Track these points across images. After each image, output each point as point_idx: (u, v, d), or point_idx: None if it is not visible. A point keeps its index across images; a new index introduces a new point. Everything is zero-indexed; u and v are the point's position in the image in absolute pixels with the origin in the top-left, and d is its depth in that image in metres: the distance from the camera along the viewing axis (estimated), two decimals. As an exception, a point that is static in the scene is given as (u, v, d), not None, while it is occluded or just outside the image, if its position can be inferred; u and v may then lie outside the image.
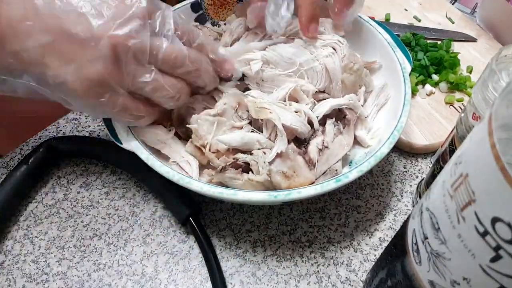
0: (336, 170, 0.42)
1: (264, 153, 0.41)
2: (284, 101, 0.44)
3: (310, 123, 0.44)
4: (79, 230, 0.46)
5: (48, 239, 0.45)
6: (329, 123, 0.45)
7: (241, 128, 0.43)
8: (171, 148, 0.44)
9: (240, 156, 0.41)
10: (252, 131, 0.43)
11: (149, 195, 0.48)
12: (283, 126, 0.41)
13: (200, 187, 0.38)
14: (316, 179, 0.42)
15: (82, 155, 0.51)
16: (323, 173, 0.42)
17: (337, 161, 0.43)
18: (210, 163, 0.42)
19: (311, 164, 0.41)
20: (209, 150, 0.42)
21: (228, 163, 0.41)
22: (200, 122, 0.42)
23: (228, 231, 0.45)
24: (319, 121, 0.44)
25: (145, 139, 0.43)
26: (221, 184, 0.41)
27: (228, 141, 0.41)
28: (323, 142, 0.43)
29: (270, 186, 0.40)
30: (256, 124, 0.44)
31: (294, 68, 0.46)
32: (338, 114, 0.46)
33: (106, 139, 0.50)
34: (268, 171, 0.39)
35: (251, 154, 0.41)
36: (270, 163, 0.40)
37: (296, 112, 0.43)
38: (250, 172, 0.41)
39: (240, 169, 0.41)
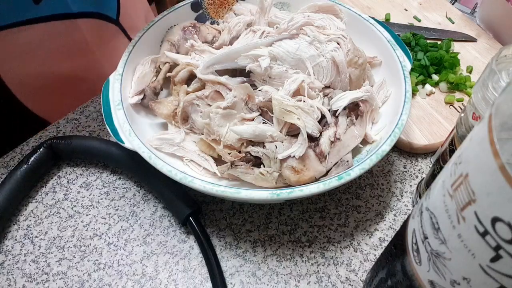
0: (348, 161, 0.43)
1: (276, 146, 0.41)
2: (295, 96, 0.44)
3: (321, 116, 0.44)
4: (79, 230, 0.46)
5: (48, 239, 0.45)
6: (342, 114, 0.45)
7: (252, 120, 0.44)
8: (185, 149, 0.45)
9: (252, 149, 0.42)
10: (263, 122, 0.44)
11: (149, 195, 0.48)
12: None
13: (203, 186, 0.38)
14: (328, 171, 0.42)
15: (82, 155, 0.51)
16: (335, 165, 0.43)
17: (348, 153, 0.43)
18: (222, 159, 0.43)
19: (322, 156, 0.42)
20: (221, 145, 0.42)
21: (237, 158, 0.42)
22: (212, 116, 0.42)
23: (228, 231, 0.45)
24: (334, 113, 0.45)
25: (160, 147, 0.44)
26: (235, 179, 0.42)
27: (240, 132, 0.42)
28: (336, 134, 0.43)
29: (280, 179, 0.41)
30: (265, 115, 0.44)
31: (301, 64, 0.46)
32: (351, 106, 0.46)
33: (106, 139, 0.50)
34: (278, 167, 0.40)
35: (263, 145, 0.42)
36: (282, 160, 0.41)
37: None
38: (262, 166, 0.42)
39: (251, 162, 0.42)
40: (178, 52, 0.52)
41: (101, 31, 0.62)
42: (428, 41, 0.62)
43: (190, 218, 0.44)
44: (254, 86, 0.47)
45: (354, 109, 0.46)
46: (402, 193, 0.49)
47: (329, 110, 0.45)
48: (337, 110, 0.44)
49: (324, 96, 0.46)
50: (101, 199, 0.48)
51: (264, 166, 0.42)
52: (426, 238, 0.25)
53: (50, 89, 0.60)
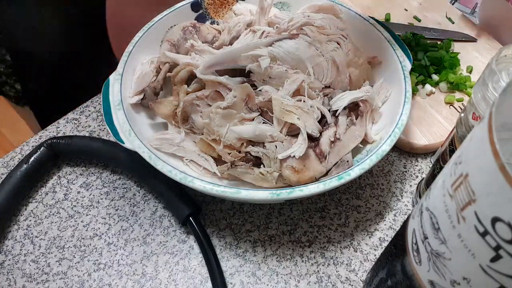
0: (348, 161, 0.43)
1: (276, 146, 0.41)
2: (295, 96, 0.44)
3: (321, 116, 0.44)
4: (79, 230, 0.46)
5: (48, 239, 0.45)
6: (342, 114, 0.45)
7: (252, 120, 0.44)
8: (185, 149, 0.45)
9: (252, 149, 0.42)
10: (263, 122, 0.44)
11: (149, 195, 0.48)
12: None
13: (203, 186, 0.38)
14: (328, 171, 0.42)
15: (82, 155, 0.51)
16: (335, 165, 0.43)
17: (348, 153, 0.43)
18: (222, 159, 0.43)
19: (322, 156, 0.42)
20: (221, 145, 0.42)
21: (237, 158, 0.42)
22: (211, 116, 0.42)
23: (228, 231, 0.45)
24: (334, 113, 0.45)
25: (160, 147, 0.44)
26: (235, 179, 0.42)
27: (240, 132, 0.42)
28: (335, 134, 0.43)
29: (281, 179, 0.41)
30: (265, 115, 0.44)
31: (301, 64, 0.46)
32: (351, 106, 0.46)
33: (106, 139, 0.50)
34: (277, 167, 0.40)
35: (263, 145, 0.42)
36: (282, 160, 0.41)
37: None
38: (262, 166, 0.42)
39: (251, 162, 0.42)
40: (178, 52, 0.52)
41: None
42: (428, 41, 0.62)
43: (190, 218, 0.44)
44: (254, 86, 0.47)
45: (354, 109, 0.46)
46: (402, 193, 0.49)
47: (329, 110, 0.45)
48: (337, 110, 0.44)
49: (324, 96, 0.46)
50: (101, 199, 0.48)
51: (264, 166, 0.42)
52: (426, 238, 0.25)
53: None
